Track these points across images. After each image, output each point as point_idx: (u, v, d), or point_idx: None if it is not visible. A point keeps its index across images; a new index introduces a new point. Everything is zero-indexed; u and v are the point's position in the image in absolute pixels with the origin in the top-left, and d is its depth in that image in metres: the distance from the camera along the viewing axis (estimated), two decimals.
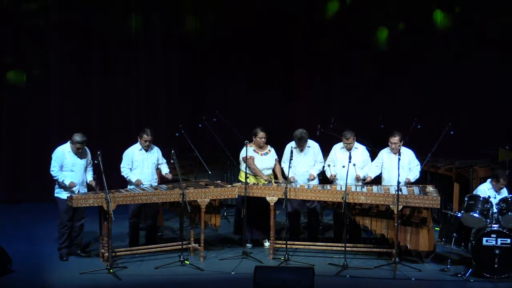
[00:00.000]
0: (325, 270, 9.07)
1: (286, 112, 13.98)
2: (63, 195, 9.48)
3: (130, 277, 8.87)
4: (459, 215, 9.14)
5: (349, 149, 10.00)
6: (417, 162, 10.04)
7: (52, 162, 9.52)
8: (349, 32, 13.85)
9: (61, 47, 13.48)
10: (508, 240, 8.76)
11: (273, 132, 10.83)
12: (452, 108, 13.19)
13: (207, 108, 13.33)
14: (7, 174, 13.49)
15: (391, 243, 9.44)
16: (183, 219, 9.66)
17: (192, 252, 9.79)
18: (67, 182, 9.44)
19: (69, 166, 9.53)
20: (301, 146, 10.12)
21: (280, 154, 10.38)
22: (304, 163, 10.18)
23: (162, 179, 10.35)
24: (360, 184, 9.95)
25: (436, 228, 9.82)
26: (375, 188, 9.62)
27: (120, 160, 10.02)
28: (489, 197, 9.13)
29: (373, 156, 10.32)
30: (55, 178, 9.53)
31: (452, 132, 11.06)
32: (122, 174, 9.92)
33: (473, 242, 8.88)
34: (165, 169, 10.13)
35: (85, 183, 9.70)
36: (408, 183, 9.87)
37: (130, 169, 9.91)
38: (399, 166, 9.28)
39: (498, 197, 9.22)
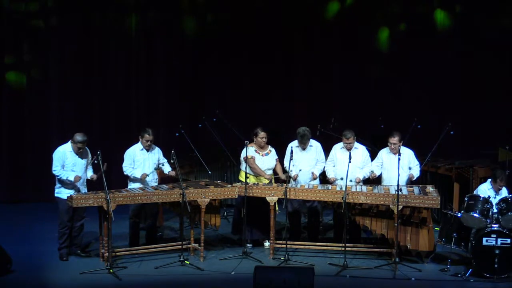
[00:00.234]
0: (325, 270, 9.07)
1: (286, 112, 13.98)
2: (63, 195, 9.49)
3: (130, 277, 8.87)
4: (459, 215, 9.14)
5: (349, 149, 10.00)
6: (416, 162, 10.05)
7: (54, 162, 9.53)
8: (349, 32, 13.85)
9: (61, 47, 13.50)
10: (508, 240, 8.76)
11: (273, 132, 10.84)
12: (452, 108, 13.19)
13: (207, 108, 13.33)
14: (7, 174, 13.50)
15: (391, 243, 9.44)
16: (183, 219, 9.66)
17: (192, 252, 9.79)
18: (71, 178, 9.43)
19: (70, 166, 9.54)
20: (303, 143, 10.12)
21: (280, 154, 10.38)
22: (306, 162, 10.17)
23: (162, 179, 10.34)
24: (361, 184, 9.95)
25: (436, 228, 9.82)
26: (375, 188, 9.62)
27: (120, 160, 10.02)
28: (489, 197, 9.13)
29: (373, 156, 10.32)
30: (58, 177, 9.53)
31: (452, 132, 11.06)
32: (125, 173, 9.91)
33: (473, 242, 8.88)
34: (167, 168, 10.13)
35: (85, 183, 9.70)
36: (412, 179, 9.85)
37: (132, 168, 9.91)
38: (399, 166, 9.28)
39: (498, 197, 9.23)
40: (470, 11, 13.49)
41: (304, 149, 10.17)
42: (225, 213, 11.95)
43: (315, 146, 10.28)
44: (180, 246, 9.41)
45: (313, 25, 13.98)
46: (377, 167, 10.08)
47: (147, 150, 9.95)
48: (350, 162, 9.35)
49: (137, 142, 10.01)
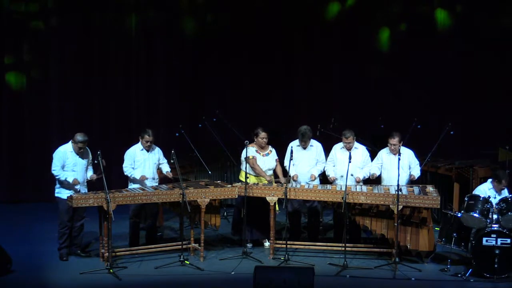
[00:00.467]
0: (325, 270, 9.07)
1: (286, 112, 13.98)
2: (63, 195, 9.49)
3: (130, 277, 8.87)
4: (459, 215, 9.14)
5: (349, 149, 10.00)
6: (417, 162, 10.04)
7: (54, 161, 9.53)
8: (349, 32, 13.85)
9: (61, 47, 13.50)
10: (508, 240, 8.76)
11: (273, 132, 10.84)
12: (452, 108, 13.19)
13: (207, 108, 13.33)
14: (7, 174, 13.50)
15: (391, 243, 9.44)
16: (183, 219, 9.66)
17: (192, 252, 9.79)
18: (70, 180, 9.44)
19: (70, 166, 9.54)
20: (304, 142, 10.11)
21: (280, 154, 10.38)
22: (306, 161, 10.17)
23: (162, 179, 10.34)
24: (361, 184, 9.95)
25: (436, 228, 9.82)
26: (375, 188, 9.62)
27: (120, 160, 10.03)
28: (489, 197, 9.13)
29: (373, 156, 10.31)
30: (57, 177, 9.53)
31: (452, 132, 11.05)
32: (125, 173, 9.92)
33: (473, 242, 8.88)
34: (166, 168, 10.13)
35: (86, 183, 9.70)
36: (413, 180, 9.86)
37: (133, 168, 9.91)
38: (399, 166, 9.27)
39: (498, 197, 9.22)
40: (471, 11, 13.50)
41: (305, 148, 10.18)
42: (225, 213, 11.95)
43: (315, 146, 10.28)
44: (180, 246, 9.41)
45: (313, 25, 13.98)
46: (377, 167, 10.08)
47: (147, 151, 9.95)
48: (350, 162, 9.35)
49: (137, 142, 10.01)
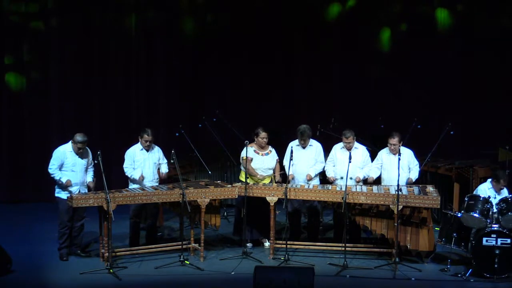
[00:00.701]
0: (325, 270, 9.07)
1: (286, 112, 13.98)
2: (63, 195, 9.49)
3: (130, 277, 8.87)
4: (459, 215, 9.14)
5: (349, 149, 10.00)
6: (416, 162, 10.04)
7: (52, 160, 9.53)
8: (349, 32, 13.85)
9: (61, 47, 13.50)
10: (508, 240, 8.75)
11: (273, 132, 10.84)
12: (452, 108, 13.19)
13: (207, 108, 13.32)
14: (7, 174, 13.50)
15: (391, 243, 9.44)
16: (183, 219, 9.66)
17: (192, 252, 9.79)
18: (63, 180, 9.44)
19: (69, 166, 9.54)
20: (303, 140, 10.11)
21: (280, 154, 10.38)
22: (305, 161, 10.17)
23: (162, 179, 10.35)
24: (361, 184, 9.95)
25: (436, 228, 9.82)
26: (375, 188, 9.62)
27: (120, 160, 10.03)
28: (489, 197, 9.13)
29: (373, 156, 10.31)
30: (52, 176, 9.53)
31: (452, 132, 11.05)
32: (126, 174, 9.92)
33: (473, 242, 8.88)
34: (164, 168, 10.12)
35: (85, 184, 9.70)
36: (411, 183, 9.87)
37: (133, 168, 9.91)
38: (399, 166, 9.27)
39: (498, 197, 9.22)
40: (471, 11, 13.50)
41: (304, 147, 10.18)
42: (225, 213, 11.95)
43: (315, 146, 10.29)
44: (180, 246, 9.41)
45: (313, 25, 13.98)
46: (377, 168, 10.07)
47: (147, 150, 9.95)
48: (350, 162, 9.35)
49: (137, 142, 10.01)
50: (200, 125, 12.17)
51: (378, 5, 13.88)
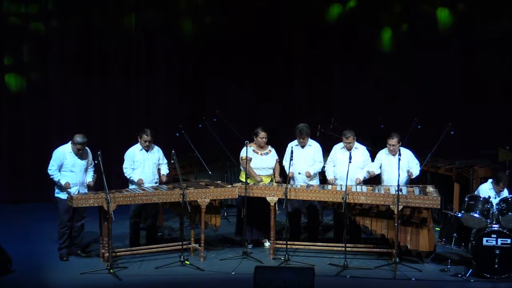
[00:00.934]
0: (325, 270, 9.07)
1: (286, 112, 13.98)
2: (63, 195, 9.49)
3: (130, 277, 8.87)
4: (459, 215, 9.14)
5: (349, 149, 10.00)
6: (416, 161, 10.02)
7: (51, 161, 9.53)
8: (349, 32, 13.85)
9: (61, 47, 13.50)
10: (508, 240, 8.75)
11: (273, 132, 10.84)
12: (452, 108, 13.18)
13: (207, 108, 13.32)
14: (7, 174, 13.50)
15: (391, 243, 9.44)
16: (183, 219, 9.66)
17: (192, 252, 9.79)
18: (62, 182, 9.43)
19: (69, 166, 9.53)
20: (301, 139, 10.11)
21: (280, 154, 10.38)
22: (303, 161, 10.17)
23: (165, 181, 10.34)
24: (361, 184, 9.95)
25: (436, 228, 9.82)
26: (375, 188, 9.61)
27: (120, 160, 10.03)
28: (489, 197, 9.13)
29: (373, 156, 10.31)
30: (51, 177, 9.53)
31: (452, 132, 11.05)
32: (125, 175, 9.93)
33: (473, 242, 8.88)
34: (164, 170, 10.12)
35: (85, 184, 9.70)
36: (411, 176, 9.85)
37: (133, 169, 9.91)
38: (399, 166, 9.27)
39: (499, 197, 9.22)
40: (472, 10, 13.49)
41: (303, 146, 10.18)
42: (225, 213, 11.95)
43: (314, 145, 10.29)
44: (180, 246, 9.41)
45: (314, 26, 13.98)
46: (376, 167, 10.06)
47: (146, 151, 9.95)
48: (350, 162, 9.35)
49: (137, 142, 10.00)
50: (200, 125, 12.16)
51: (378, 5, 13.87)
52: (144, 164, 9.93)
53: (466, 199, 9.23)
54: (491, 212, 9.01)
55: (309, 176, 10.10)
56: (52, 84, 13.54)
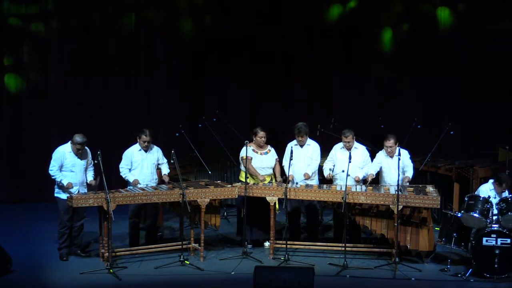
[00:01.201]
0: (325, 270, 9.07)
1: (286, 112, 13.98)
2: (63, 195, 9.48)
3: (130, 277, 8.87)
4: (459, 215, 9.14)
5: (348, 148, 10.00)
6: (411, 163, 9.94)
7: (52, 161, 9.53)
8: (349, 33, 13.85)
9: (61, 47, 13.50)
10: (508, 240, 8.75)
11: (272, 132, 10.85)
12: (452, 108, 13.18)
13: (207, 108, 13.32)
14: (7, 174, 13.50)
15: (391, 243, 9.44)
16: (183, 219, 9.65)
17: (192, 252, 9.79)
18: (64, 182, 9.44)
19: (69, 166, 9.54)
20: (300, 137, 10.11)
21: (279, 154, 10.39)
22: (302, 160, 10.17)
23: (162, 180, 10.34)
24: (361, 184, 9.94)
25: (436, 228, 9.82)
26: (375, 188, 9.61)
27: (120, 160, 10.02)
28: (489, 197, 9.13)
29: (372, 156, 10.30)
30: (53, 177, 9.54)
31: (452, 132, 11.05)
32: (120, 174, 9.93)
33: (473, 242, 8.88)
34: (165, 169, 10.11)
35: (85, 184, 9.70)
36: (409, 181, 9.84)
37: (130, 169, 9.91)
38: (399, 166, 9.26)
39: (498, 197, 9.22)
40: (472, 10, 13.48)
41: (302, 145, 10.18)
42: (225, 213, 11.95)
43: (312, 145, 10.29)
44: (180, 246, 9.41)
45: (314, 26, 13.98)
46: (375, 167, 10.03)
47: (145, 151, 9.95)
48: (350, 162, 9.35)
49: (136, 142, 10.00)
50: (200, 125, 12.16)
51: (378, 6, 13.86)
52: (142, 165, 9.93)
53: (466, 199, 9.23)
54: (491, 212, 9.00)
55: (308, 178, 10.10)
56: (52, 84, 13.54)
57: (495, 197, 9.23)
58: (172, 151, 9.31)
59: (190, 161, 11.71)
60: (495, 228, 8.85)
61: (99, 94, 13.65)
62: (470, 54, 13.39)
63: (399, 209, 9.07)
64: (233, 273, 9.04)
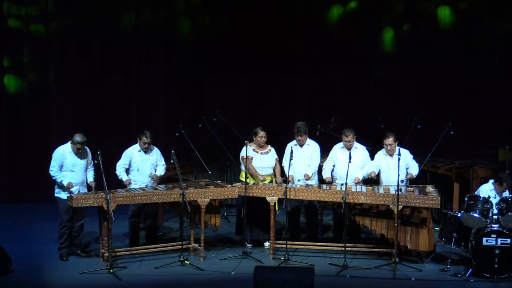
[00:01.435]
0: (325, 270, 9.07)
1: (286, 112, 13.98)
2: (63, 195, 9.49)
3: (130, 277, 8.87)
4: (459, 215, 9.14)
5: (348, 148, 10.00)
6: (414, 161, 9.97)
7: (52, 162, 9.54)
8: (349, 33, 13.84)
9: (61, 47, 13.50)
10: (508, 240, 8.75)
11: (272, 132, 10.85)
12: (452, 108, 13.18)
13: (207, 108, 13.33)
14: (7, 174, 13.50)
15: (391, 243, 9.44)
16: (183, 219, 9.66)
17: (192, 252, 9.79)
18: (65, 183, 9.44)
19: (69, 166, 9.54)
20: (299, 136, 10.10)
21: (280, 154, 10.39)
22: (302, 160, 10.17)
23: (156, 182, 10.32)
24: (361, 184, 9.94)
25: (436, 228, 9.81)
26: (375, 188, 9.61)
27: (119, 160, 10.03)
28: (489, 197, 9.13)
29: (372, 156, 10.30)
30: (53, 178, 9.54)
31: (452, 132, 11.05)
32: (116, 171, 9.91)
33: (473, 242, 8.88)
34: (159, 171, 10.07)
35: (85, 183, 9.70)
36: (411, 178, 9.84)
37: (127, 169, 9.91)
38: (399, 166, 9.25)
39: (498, 197, 9.22)
40: (473, 9, 13.47)
41: (301, 144, 10.18)
42: (225, 213, 11.95)
43: (312, 145, 10.29)
44: (180, 246, 9.42)
45: (314, 26, 13.98)
46: (375, 167, 10.04)
47: (145, 152, 9.95)
48: (350, 162, 9.34)
49: (136, 142, 10.00)
50: (200, 125, 12.16)
51: (378, 6, 13.86)
52: (141, 166, 9.92)
53: (466, 199, 9.23)
54: (491, 212, 9.00)
55: (308, 179, 10.10)
56: (52, 85, 13.54)
57: (495, 197, 9.24)
58: (172, 151, 9.31)
59: (190, 161, 11.70)
60: (495, 228, 8.85)
61: (99, 94, 13.64)
62: (470, 53, 13.38)
63: (399, 209, 9.07)
64: (233, 273, 9.04)
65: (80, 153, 9.57)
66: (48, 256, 9.70)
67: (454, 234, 9.16)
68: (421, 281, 8.80)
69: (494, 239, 8.78)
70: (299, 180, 9.98)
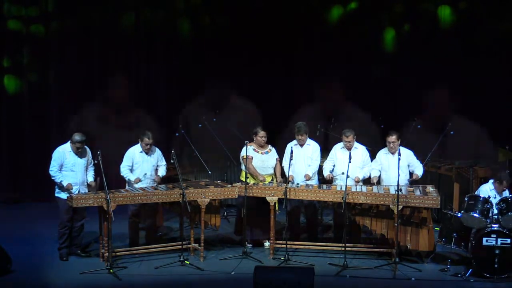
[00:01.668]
0: (325, 270, 9.07)
1: (286, 112, 13.96)
2: (63, 195, 9.49)
3: (130, 277, 8.87)
4: (459, 215, 9.14)
5: (349, 148, 10.00)
6: (418, 162, 9.98)
7: (52, 162, 9.54)
8: (349, 33, 13.84)
9: (61, 47, 13.50)
10: (508, 240, 8.76)
11: (272, 132, 10.85)
12: (452, 108, 13.17)
13: (207, 108, 13.31)
14: (7, 174, 13.50)
15: (391, 243, 9.44)
16: (183, 219, 9.65)
17: (192, 252, 9.79)
18: (64, 183, 9.44)
19: (69, 166, 9.54)
20: (299, 136, 10.10)
21: (280, 154, 10.39)
22: (302, 160, 10.18)
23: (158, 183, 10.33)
24: (361, 184, 9.94)
25: (436, 228, 9.82)
26: (375, 188, 9.61)
27: (120, 160, 10.02)
28: (489, 197, 9.13)
29: (372, 156, 10.30)
30: (53, 178, 9.54)
31: (452, 132, 11.04)
32: (121, 174, 9.92)
33: (473, 242, 8.88)
34: (161, 171, 10.08)
35: (85, 183, 9.70)
36: (416, 179, 9.84)
37: (131, 170, 9.91)
38: (399, 166, 9.26)
39: (498, 197, 9.22)
40: (473, 9, 13.47)
41: (302, 144, 10.18)
42: (225, 213, 11.95)
43: (312, 145, 10.29)
44: (180, 246, 9.42)
45: (314, 26, 13.97)
46: (377, 169, 10.03)
47: (146, 153, 9.94)
48: (350, 162, 9.34)
49: (137, 142, 10.00)
50: (200, 125, 12.16)
51: (379, 6, 13.85)
52: (142, 166, 9.92)
53: (466, 199, 9.23)
54: (491, 212, 9.00)
55: (308, 179, 10.10)
56: (52, 85, 13.54)
57: (495, 197, 9.24)
58: (172, 151, 9.31)
59: (190, 161, 11.70)
60: (495, 228, 8.86)
61: (99, 94, 13.63)
62: (471, 52, 13.37)
63: (399, 209, 9.07)
64: (233, 273, 9.05)
65: (79, 152, 9.57)
66: (48, 256, 9.70)
67: (454, 234, 9.17)
68: (421, 281, 8.80)
69: (494, 239, 8.78)
70: (297, 184, 9.96)
